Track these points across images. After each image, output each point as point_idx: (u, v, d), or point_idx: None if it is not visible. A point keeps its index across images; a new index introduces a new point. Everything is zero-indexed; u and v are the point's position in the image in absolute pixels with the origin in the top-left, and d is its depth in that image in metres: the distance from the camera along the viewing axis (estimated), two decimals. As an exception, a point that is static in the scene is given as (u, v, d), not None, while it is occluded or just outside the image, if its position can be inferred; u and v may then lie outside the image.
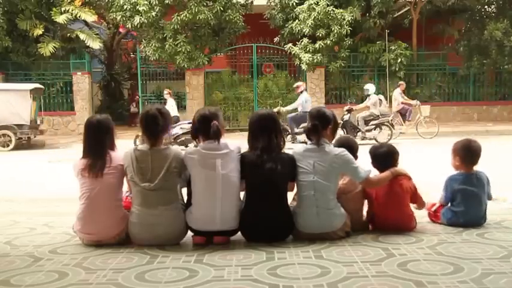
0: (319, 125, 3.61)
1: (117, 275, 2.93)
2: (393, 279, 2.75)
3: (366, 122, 12.91)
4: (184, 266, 3.08)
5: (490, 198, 3.98)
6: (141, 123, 3.59)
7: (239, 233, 3.61)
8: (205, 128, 3.53)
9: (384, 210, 3.75)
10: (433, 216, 4.06)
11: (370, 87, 13.42)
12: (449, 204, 3.98)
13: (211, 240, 3.52)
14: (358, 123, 12.91)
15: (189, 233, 3.60)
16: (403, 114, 14.38)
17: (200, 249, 3.42)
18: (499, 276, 2.78)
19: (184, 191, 3.69)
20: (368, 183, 3.67)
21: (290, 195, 3.75)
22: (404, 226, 3.77)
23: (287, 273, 2.89)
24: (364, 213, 3.89)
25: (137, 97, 19.96)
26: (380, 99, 13.41)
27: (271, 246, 3.43)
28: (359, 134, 12.70)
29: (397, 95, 14.58)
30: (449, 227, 3.86)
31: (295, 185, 3.68)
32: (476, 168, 3.96)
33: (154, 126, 3.54)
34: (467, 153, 3.91)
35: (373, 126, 12.87)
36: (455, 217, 3.88)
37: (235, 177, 3.51)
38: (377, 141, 12.12)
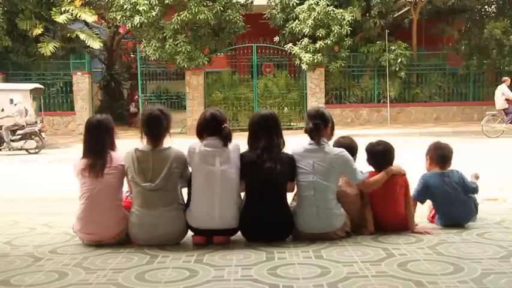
0: (321, 124, 3.62)
1: (117, 275, 2.93)
2: (393, 279, 2.75)
3: (12, 132, 12.65)
4: (184, 266, 3.08)
5: (474, 191, 3.93)
6: (144, 125, 3.59)
7: (239, 233, 3.61)
8: (213, 128, 3.56)
9: (381, 211, 3.75)
10: (432, 222, 4.07)
11: (15, 97, 13.15)
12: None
13: (211, 240, 3.52)
14: (3, 134, 12.61)
15: (189, 233, 3.61)
16: (508, 113, 13.67)
17: (200, 249, 3.42)
18: (499, 276, 2.78)
19: (184, 191, 3.69)
20: (364, 185, 3.67)
21: (290, 196, 3.75)
22: (402, 226, 3.77)
23: (287, 273, 2.89)
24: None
25: (137, 97, 19.90)
26: (26, 109, 12.99)
27: (271, 246, 3.43)
28: (5, 144, 12.53)
29: (505, 90, 13.89)
30: (448, 227, 3.87)
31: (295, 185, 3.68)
32: (451, 167, 3.96)
33: (158, 127, 3.54)
34: (437, 154, 3.94)
35: (19, 136, 12.62)
36: (443, 219, 3.90)
37: (234, 173, 3.51)
38: (27, 151, 12.40)
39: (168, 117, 3.64)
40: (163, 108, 3.72)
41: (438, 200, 3.91)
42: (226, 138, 3.54)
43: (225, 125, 3.58)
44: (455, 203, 3.85)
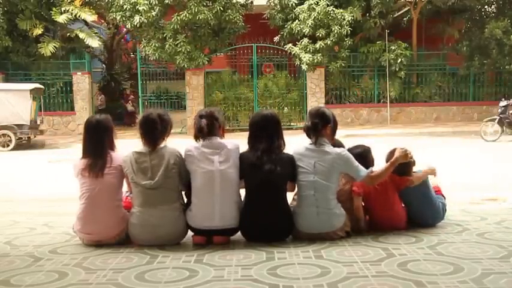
0: (319, 124, 3.61)
1: (117, 275, 2.93)
2: (393, 279, 2.75)
3: None
4: (184, 266, 3.08)
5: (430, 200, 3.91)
6: (141, 127, 3.60)
7: (239, 233, 3.61)
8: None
9: (375, 211, 3.77)
10: None
11: None
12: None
13: (211, 240, 3.52)
14: None
15: (189, 233, 3.61)
16: None
17: (200, 249, 3.42)
18: (499, 276, 2.78)
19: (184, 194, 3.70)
20: (371, 179, 3.61)
21: (290, 195, 3.75)
22: (396, 225, 3.79)
23: (287, 273, 2.89)
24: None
25: (131, 96, 19.87)
26: None
27: (271, 246, 3.43)
28: None
29: None
30: (448, 227, 3.87)
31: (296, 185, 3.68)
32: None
33: (153, 131, 3.55)
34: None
35: None
36: (411, 216, 3.90)
37: (233, 173, 3.52)
38: None
39: (166, 121, 3.62)
40: (162, 112, 3.69)
41: (404, 202, 3.92)
42: (199, 130, 3.52)
43: (203, 119, 3.54)
44: (418, 205, 3.85)
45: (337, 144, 3.86)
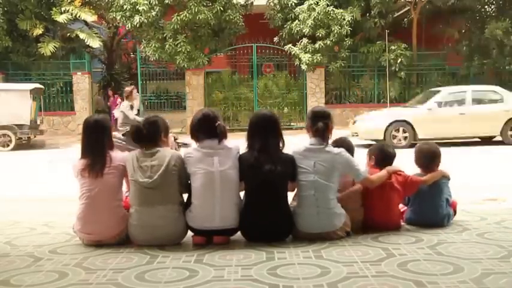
0: (330, 124, 3.63)
1: (117, 275, 2.93)
2: (393, 279, 2.75)
3: None
4: (184, 266, 3.08)
5: (448, 202, 3.94)
6: (132, 138, 3.66)
7: (239, 233, 3.61)
8: (207, 128, 3.56)
9: (373, 211, 3.77)
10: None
11: None
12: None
13: (211, 240, 3.52)
14: None
15: (189, 233, 3.61)
16: None
17: (200, 249, 3.42)
18: (499, 276, 2.78)
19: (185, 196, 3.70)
20: (370, 181, 3.69)
21: (290, 195, 3.75)
22: (392, 225, 3.80)
23: (287, 273, 2.89)
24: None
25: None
26: None
27: (271, 246, 3.43)
28: None
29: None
30: (448, 227, 3.87)
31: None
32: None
33: (142, 138, 3.58)
34: (423, 156, 3.98)
35: None
36: (412, 216, 3.92)
37: (233, 174, 3.51)
38: None
39: (154, 123, 3.64)
40: (150, 116, 3.77)
41: (415, 200, 3.93)
42: (221, 136, 3.54)
43: (219, 122, 3.57)
44: (430, 205, 3.86)
45: (348, 145, 3.89)
